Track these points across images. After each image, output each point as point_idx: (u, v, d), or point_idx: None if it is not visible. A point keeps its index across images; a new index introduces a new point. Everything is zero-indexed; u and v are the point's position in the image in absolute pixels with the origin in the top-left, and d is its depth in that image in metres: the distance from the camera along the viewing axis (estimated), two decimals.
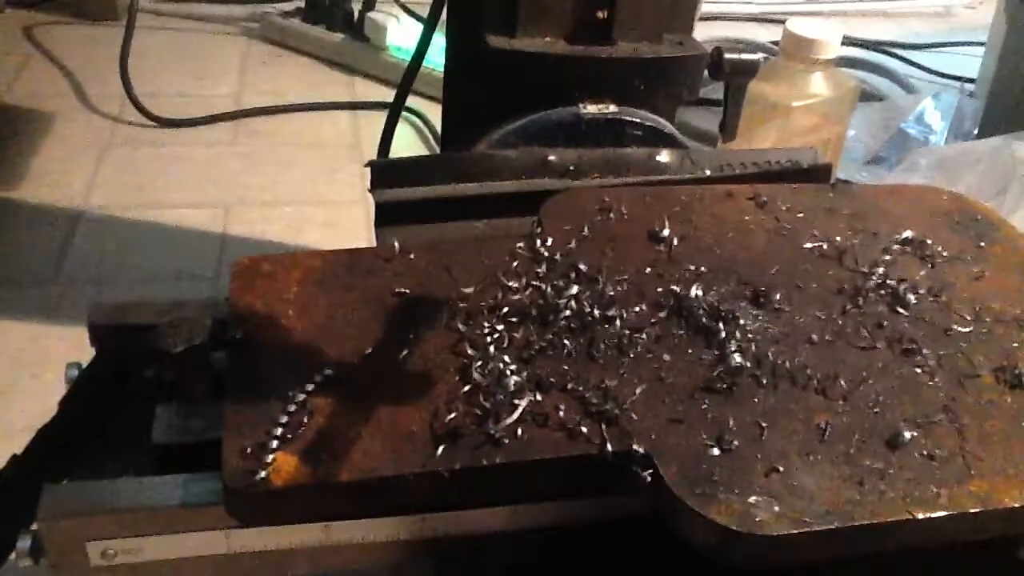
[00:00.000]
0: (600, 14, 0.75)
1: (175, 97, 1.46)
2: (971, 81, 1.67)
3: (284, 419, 0.45)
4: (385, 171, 0.71)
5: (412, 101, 1.30)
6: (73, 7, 1.68)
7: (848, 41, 1.95)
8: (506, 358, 0.49)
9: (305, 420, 0.45)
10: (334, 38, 1.63)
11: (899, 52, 1.90)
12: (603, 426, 0.46)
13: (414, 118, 1.43)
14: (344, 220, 1.18)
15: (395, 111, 0.91)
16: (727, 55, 0.79)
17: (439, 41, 0.82)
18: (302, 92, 1.52)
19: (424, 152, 1.37)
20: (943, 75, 1.81)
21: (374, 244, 0.65)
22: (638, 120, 0.76)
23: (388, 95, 0.99)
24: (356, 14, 1.63)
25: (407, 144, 1.38)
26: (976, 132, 1.42)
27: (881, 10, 2.25)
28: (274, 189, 1.23)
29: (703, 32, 1.84)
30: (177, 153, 1.31)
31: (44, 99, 1.41)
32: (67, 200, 1.17)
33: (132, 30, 1.43)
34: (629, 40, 0.76)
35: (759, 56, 0.77)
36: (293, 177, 1.27)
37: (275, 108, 1.44)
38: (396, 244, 0.58)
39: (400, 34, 1.58)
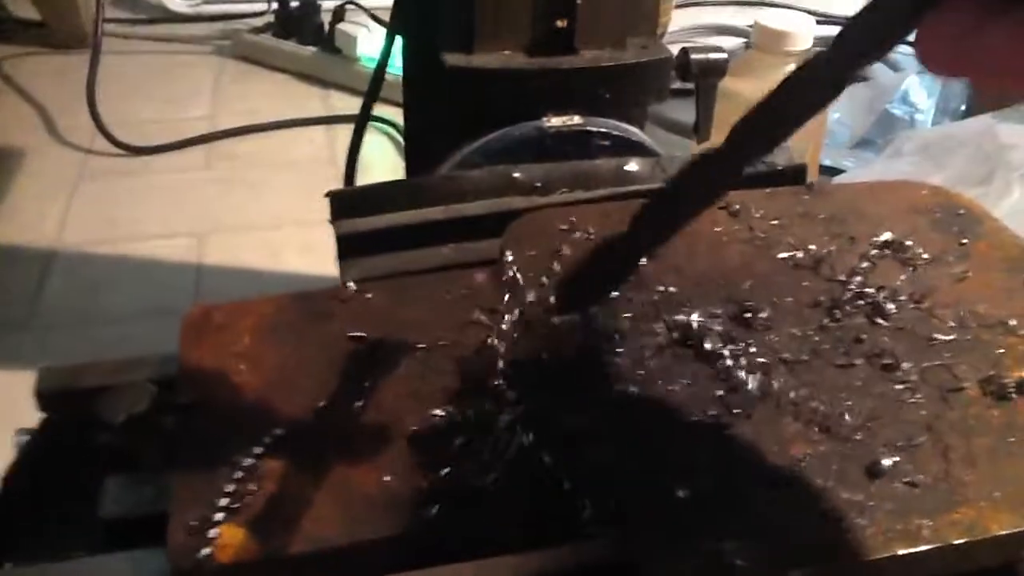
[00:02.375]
0: (560, 23, 0.73)
1: (147, 123, 1.44)
2: None
3: (231, 487, 0.43)
4: (346, 201, 0.69)
5: (385, 110, 1.28)
6: (39, 37, 1.66)
7: (828, 20, 1.93)
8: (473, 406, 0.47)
9: (253, 487, 0.43)
10: (306, 52, 1.62)
11: None
12: (568, 472, 0.44)
13: (388, 128, 1.41)
14: (323, 242, 1.14)
15: (359, 130, 0.89)
16: (694, 56, 0.77)
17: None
18: (277, 109, 1.50)
19: (399, 162, 1.35)
20: None
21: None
22: (605, 130, 0.73)
23: None
24: (326, 26, 1.61)
25: (382, 156, 1.36)
26: (964, 108, 1.39)
27: None
28: (250, 213, 1.21)
29: (684, 19, 1.82)
30: (150, 182, 1.29)
31: (14, 134, 1.39)
32: (40, 239, 1.15)
33: (98, 57, 1.41)
34: (591, 48, 0.74)
35: (725, 56, 0.75)
36: (269, 199, 1.25)
37: (248, 128, 1.42)
38: (352, 284, 0.56)
39: (371, 44, 1.56)
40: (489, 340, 0.52)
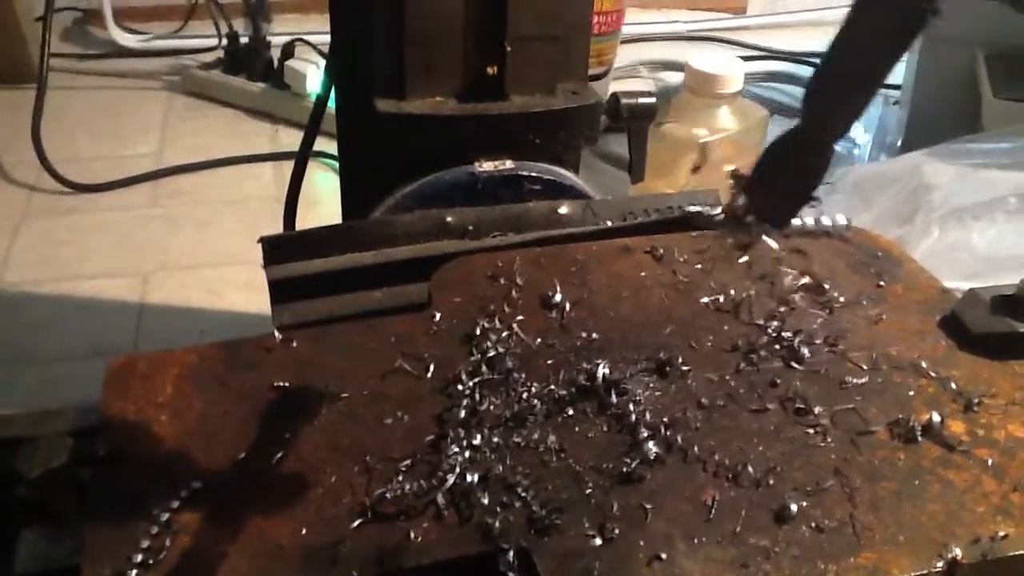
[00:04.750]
0: (490, 70, 0.74)
1: (93, 160, 1.43)
2: (897, 88, 1.69)
3: (146, 542, 0.43)
4: (279, 246, 0.69)
5: (332, 145, 1.28)
6: None
7: (774, 54, 1.97)
8: (392, 453, 0.48)
9: (168, 542, 0.43)
10: (255, 88, 1.62)
11: None
12: (485, 522, 0.44)
13: (334, 163, 1.41)
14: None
15: (298, 172, 0.90)
16: (624, 101, 0.78)
17: None
18: (225, 144, 1.50)
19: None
20: None
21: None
22: (536, 174, 0.74)
23: None
24: (276, 62, 1.62)
25: (330, 191, 1.36)
26: (900, 143, 1.43)
27: (809, 20, 2.27)
28: (195, 252, 1.21)
29: (632, 54, 1.85)
30: (95, 220, 1.28)
31: None
32: None
33: (44, 92, 1.40)
34: (522, 94, 0.75)
35: (654, 100, 0.77)
36: (214, 237, 1.25)
37: (196, 165, 1.42)
38: (277, 333, 0.56)
39: (320, 80, 1.56)
40: (404, 386, 0.53)
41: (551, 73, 0.76)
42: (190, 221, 1.29)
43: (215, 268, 1.18)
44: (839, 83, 0.42)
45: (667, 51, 1.92)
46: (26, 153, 1.38)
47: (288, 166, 1.43)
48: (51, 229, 1.26)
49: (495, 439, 0.49)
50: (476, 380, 0.53)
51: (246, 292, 1.13)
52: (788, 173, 0.44)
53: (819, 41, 2.09)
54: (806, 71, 1.84)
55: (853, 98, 0.42)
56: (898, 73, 1.67)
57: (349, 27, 0.76)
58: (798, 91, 1.73)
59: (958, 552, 0.44)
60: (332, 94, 0.83)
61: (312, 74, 1.55)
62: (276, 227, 1.26)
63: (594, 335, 0.57)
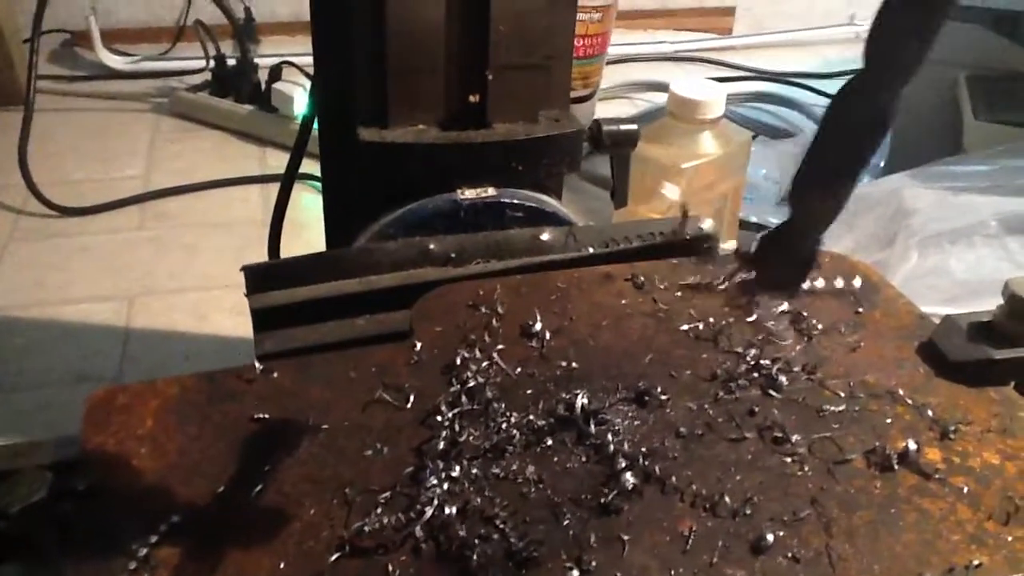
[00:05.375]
0: (472, 98, 0.75)
1: (80, 183, 1.44)
2: None
3: None
4: (261, 274, 0.69)
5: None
6: None
7: (759, 75, 1.98)
8: (372, 485, 0.48)
9: None
10: (243, 110, 1.62)
11: (811, 83, 1.93)
12: (463, 555, 0.45)
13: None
14: None
15: (283, 199, 0.90)
16: (606, 128, 0.79)
17: None
18: (213, 167, 1.50)
19: None
20: None
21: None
22: (518, 201, 0.75)
23: None
24: (263, 85, 1.62)
25: (317, 214, 1.36)
26: (883, 164, 1.44)
27: (793, 40, 2.29)
28: (181, 275, 1.21)
29: (618, 75, 1.86)
30: (81, 243, 1.28)
31: None
32: None
33: (31, 115, 1.40)
34: (504, 122, 0.76)
35: (636, 127, 0.77)
36: (201, 261, 1.25)
37: (183, 188, 1.42)
38: (257, 364, 0.57)
39: (307, 103, 1.57)
40: (385, 418, 0.53)
41: (533, 101, 0.76)
42: (176, 244, 1.29)
43: (202, 292, 1.18)
44: (822, 179, 0.43)
45: (653, 72, 1.94)
46: (13, 176, 1.38)
47: (275, 189, 1.44)
48: (37, 252, 1.26)
49: (474, 471, 0.49)
50: (456, 411, 0.53)
51: (233, 316, 1.13)
52: (785, 256, 0.48)
53: (804, 61, 2.11)
54: (791, 91, 1.85)
55: (837, 191, 0.43)
56: None
57: (331, 56, 0.76)
58: (784, 111, 1.74)
59: None
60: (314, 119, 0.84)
61: (299, 96, 1.56)
62: (263, 250, 1.26)
63: (574, 364, 0.58)
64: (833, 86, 1.92)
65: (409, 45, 0.72)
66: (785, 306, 0.64)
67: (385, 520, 0.46)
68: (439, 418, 0.53)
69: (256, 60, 1.70)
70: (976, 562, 0.45)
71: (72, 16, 1.85)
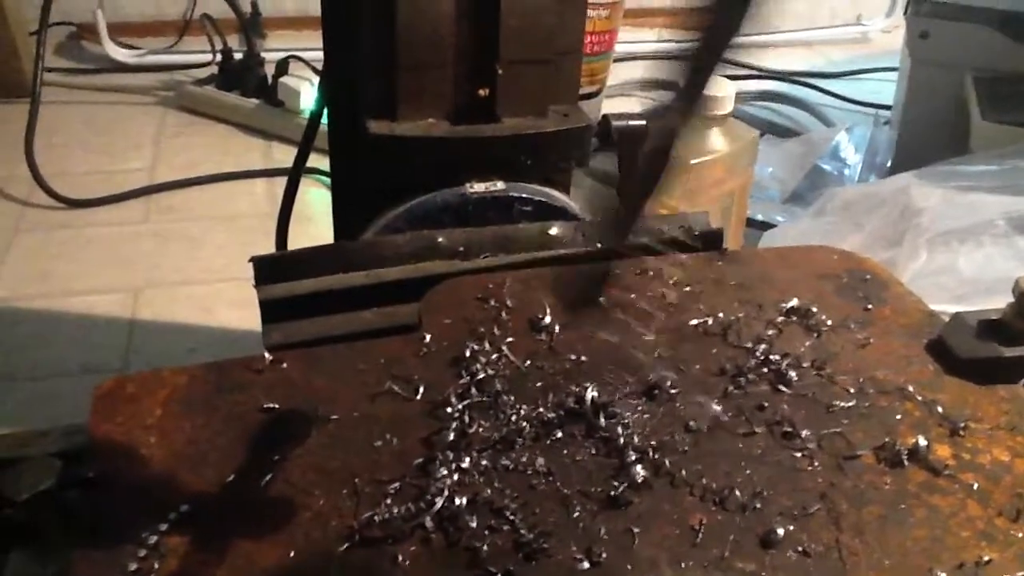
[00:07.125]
0: (482, 92, 0.75)
1: (86, 175, 1.44)
2: (888, 108, 1.70)
3: (134, 566, 0.43)
4: (270, 266, 0.69)
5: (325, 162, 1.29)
6: None
7: (766, 74, 1.98)
8: (381, 476, 0.48)
9: (156, 565, 0.43)
10: (249, 104, 1.62)
11: (817, 83, 1.93)
12: (473, 546, 0.44)
13: (327, 179, 1.41)
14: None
15: (291, 191, 0.90)
16: (615, 123, 0.79)
17: None
18: (218, 161, 1.50)
19: None
20: (860, 103, 1.84)
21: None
22: (526, 195, 0.75)
23: None
24: (269, 79, 1.62)
25: (324, 208, 1.36)
26: (890, 164, 1.44)
27: (800, 40, 2.29)
28: (186, 268, 1.21)
29: (622, 74, 1.86)
30: (87, 235, 1.28)
31: None
32: None
33: (37, 107, 1.41)
34: (513, 116, 0.76)
35: (645, 123, 0.77)
36: (206, 253, 1.25)
37: (188, 181, 1.42)
38: (267, 354, 0.57)
39: (314, 97, 1.57)
40: (395, 408, 0.53)
41: (543, 95, 0.76)
42: (182, 237, 1.29)
43: (206, 285, 1.18)
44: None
45: (661, 70, 1.94)
46: (18, 168, 1.38)
47: (281, 183, 1.43)
48: (42, 244, 1.26)
49: (483, 462, 0.49)
50: (465, 403, 0.53)
51: (237, 309, 1.13)
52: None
53: (810, 61, 2.11)
54: (798, 90, 1.85)
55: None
56: (889, 94, 1.68)
57: (341, 50, 0.76)
58: (790, 110, 1.74)
59: None
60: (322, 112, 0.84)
61: (306, 91, 1.56)
62: (268, 244, 1.26)
63: (583, 357, 0.58)
64: (839, 86, 1.92)
65: (419, 39, 0.72)
66: (795, 302, 0.63)
67: (394, 511, 0.46)
68: (448, 409, 0.52)
69: (262, 54, 1.70)
70: (986, 558, 0.45)
71: (79, 9, 1.85)
